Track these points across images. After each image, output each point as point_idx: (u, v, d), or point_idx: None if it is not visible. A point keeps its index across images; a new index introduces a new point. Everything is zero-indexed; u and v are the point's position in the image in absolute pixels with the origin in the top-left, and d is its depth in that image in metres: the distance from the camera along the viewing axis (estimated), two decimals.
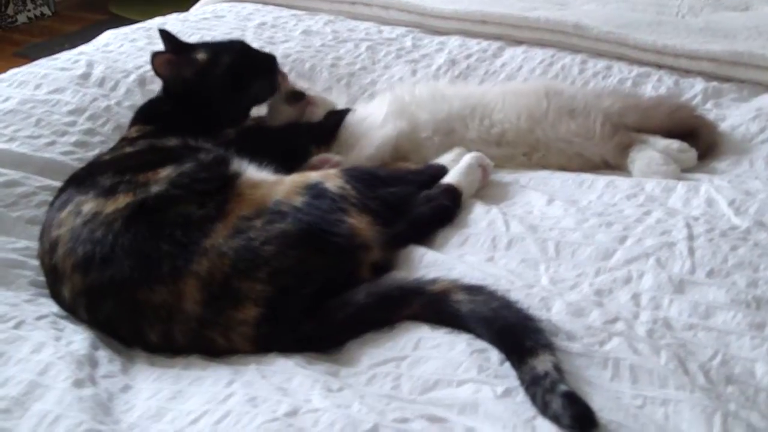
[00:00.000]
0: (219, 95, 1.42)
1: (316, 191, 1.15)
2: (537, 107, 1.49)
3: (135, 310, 1.05)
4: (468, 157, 1.35)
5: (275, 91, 1.52)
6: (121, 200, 1.11)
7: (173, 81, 1.43)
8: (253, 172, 1.22)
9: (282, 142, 1.45)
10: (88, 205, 1.12)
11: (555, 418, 0.86)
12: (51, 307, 1.12)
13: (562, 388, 0.88)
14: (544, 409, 0.87)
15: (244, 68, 1.47)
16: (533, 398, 0.89)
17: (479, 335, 1.00)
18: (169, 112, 1.40)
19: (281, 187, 1.16)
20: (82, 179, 1.21)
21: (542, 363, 0.91)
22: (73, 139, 1.49)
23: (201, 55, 1.46)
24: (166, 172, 1.15)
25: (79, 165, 1.41)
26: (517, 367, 0.93)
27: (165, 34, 1.49)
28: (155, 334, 1.05)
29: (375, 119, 1.50)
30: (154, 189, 1.12)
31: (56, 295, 1.13)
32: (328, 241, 1.09)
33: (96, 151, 1.45)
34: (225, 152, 1.24)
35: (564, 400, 0.86)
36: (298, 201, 1.13)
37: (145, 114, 1.44)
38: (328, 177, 1.20)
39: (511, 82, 1.74)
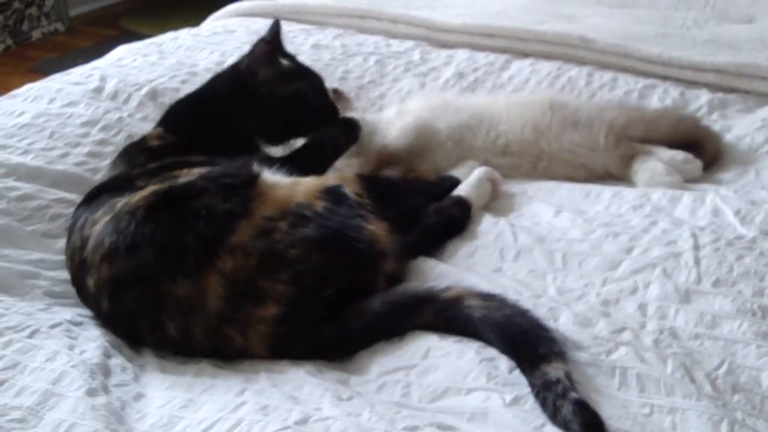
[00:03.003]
0: (273, 110, 1.38)
1: (336, 196, 1.17)
2: (541, 119, 1.51)
3: (157, 300, 1.06)
4: (478, 171, 1.38)
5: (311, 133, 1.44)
6: (149, 190, 1.13)
7: (250, 75, 1.41)
8: (269, 174, 1.23)
9: (307, 158, 1.40)
10: (121, 201, 1.13)
11: (564, 424, 0.87)
12: (64, 314, 1.13)
13: (574, 395, 0.89)
14: (554, 414, 0.88)
15: (309, 101, 1.42)
16: (543, 403, 0.90)
17: (490, 341, 1.01)
18: (199, 122, 1.37)
19: (301, 188, 1.17)
20: (116, 186, 1.20)
21: (555, 370, 0.92)
22: (86, 149, 1.51)
23: (286, 63, 1.44)
24: (198, 170, 1.17)
25: (91, 175, 1.43)
26: (529, 372, 0.94)
27: (274, 27, 1.48)
28: (174, 327, 1.06)
29: (392, 117, 1.55)
30: (182, 180, 1.15)
31: (80, 288, 1.15)
32: (351, 246, 1.11)
33: (108, 161, 1.45)
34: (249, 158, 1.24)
35: (575, 407, 0.87)
36: (320, 206, 1.14)
37: (173, 119, 1.42)
38: (345, 181, 1.22)
39: (518, 94, 1.76)
